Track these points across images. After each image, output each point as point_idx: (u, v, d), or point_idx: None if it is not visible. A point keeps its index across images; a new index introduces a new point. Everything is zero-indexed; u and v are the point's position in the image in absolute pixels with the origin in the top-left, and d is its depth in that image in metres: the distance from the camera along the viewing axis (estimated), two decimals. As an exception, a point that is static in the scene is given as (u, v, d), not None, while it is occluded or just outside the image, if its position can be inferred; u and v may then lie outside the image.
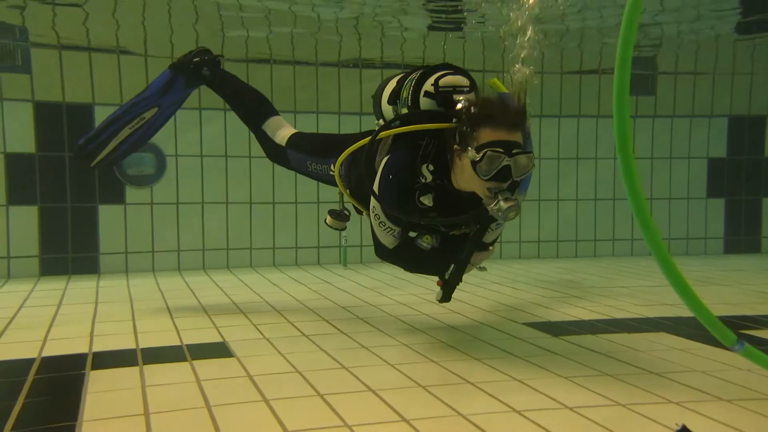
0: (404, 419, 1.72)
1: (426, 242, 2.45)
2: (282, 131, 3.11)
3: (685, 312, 2.82)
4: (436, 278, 2.55)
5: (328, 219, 2.95)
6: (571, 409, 1.80)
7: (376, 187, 2.37)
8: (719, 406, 1.81)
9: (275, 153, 3.14)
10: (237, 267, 4.93)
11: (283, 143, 3.07)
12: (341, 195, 2.88)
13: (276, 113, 3.20)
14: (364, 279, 4.32)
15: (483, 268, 2.58)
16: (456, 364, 2.24)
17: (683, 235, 5.73)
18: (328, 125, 5.01)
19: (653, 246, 1.31)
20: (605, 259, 5.44)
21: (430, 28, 4.82)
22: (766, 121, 5.79)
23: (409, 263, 2.63)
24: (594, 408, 1.80)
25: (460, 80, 2.37)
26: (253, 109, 3.22)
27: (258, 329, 2.82)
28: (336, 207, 2.99)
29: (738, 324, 2.87)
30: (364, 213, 2.75)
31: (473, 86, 2.39)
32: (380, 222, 2.44)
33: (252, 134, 3.28)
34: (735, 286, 3.96)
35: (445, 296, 2.52)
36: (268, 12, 4.32)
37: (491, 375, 2.12)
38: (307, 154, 2.97)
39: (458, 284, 2.51)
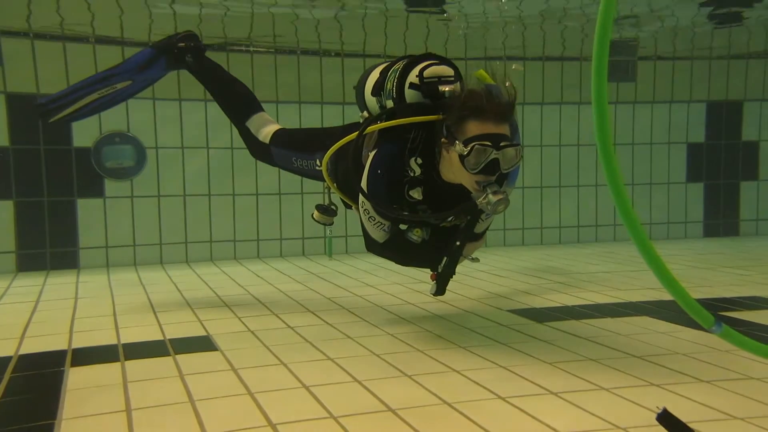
0: (390, 409, 1.72)
1: (416, 235, 2.42)
2: (266, 128, 3.06)
3: (666, 296, 2.86)
4: (426, 270, 2.54)
5: (315, 214, 2.91)
6: (555, 394, 1.81)
7: (364, 183, 2.34)
8: (699, 387, 1.84)
9: (259, 150, 3.10)
10: (221, 259, 4.89)
11: (267, 140, 3.02)
12: (327, 189, 2.84)
13: (261, 109, 3.13)
14: (349, 269, 4.31)
15: (475, 259, 2.56)
16: (442, 353, 2.25)
17: (664, 220, 5.79)
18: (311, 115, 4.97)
19: (629, 225, 1.31)
20: (588, 245, 5.48)
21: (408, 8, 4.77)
22: (743, 106, 5.85)
23: (401, 257, 2.60)
24: (578, 392, 1.81)
25: (445, 70, 2.35)
26: (238, 104, 3.16)
27: (242, 322, 2.80)
28: (322, 200, 2.96)
29: (717, 306, 2.91)
30: (353, 207, 2.72)
31: (458, 76, 2.37)
32: (370, 216, 2.41)
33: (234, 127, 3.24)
34: (714, 269, 4.02)
35: (440, 289, 2.49)
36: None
37: (477, 363, 2.13)
38: (292, 150, 2.93)
39: (452, 277, 2.49)
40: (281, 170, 3.21)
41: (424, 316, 2.87)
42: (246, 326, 2.71)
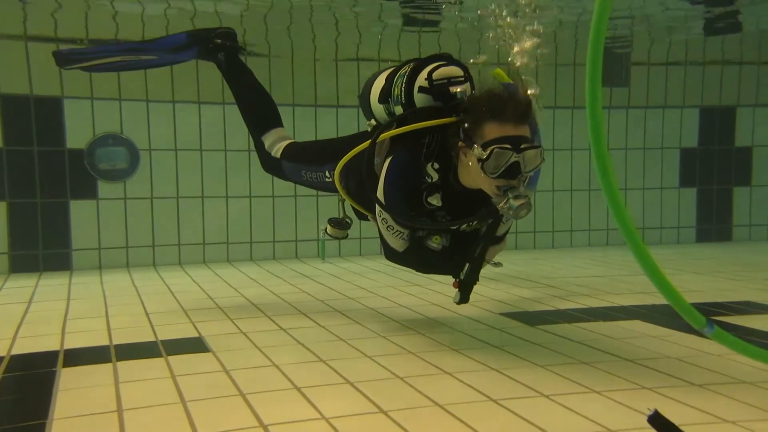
0: (382, 410, 1.72)
1: (435, 243, 2.31)
2: (280, 144, 3.00)
3: (659, 300, 2.88)
4: (437, 276, 2.45)
5: (329, 228, 2.82)
6: (547, 397, 1.81)
7: (380, 193, 2.26)
8: (691, 391, 1.84)
9: (270, 165, 3.05)
10: (213, 261, 4.87)
11: (278, 155, 2.97)
12: (342, 201, 2.75)
13: (279, 124, 3.08)
14: (342, 272, 4.31)
15: (498, 264, 2.45)
16: (434, 355, 2.24)
17: (657, 225, 5.82)
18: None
19: (620, 220, 1.32)
20: (581, 249, 5.50)
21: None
22: (735, 112, 5.89)
23: (421, 265, 2.51)
24: (570, 395, 1.82)
25: (455, 71, 2.27)
26: (258, 116, 3.10)
27: (235, 323, 2.79)
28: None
29: (709, 311, 2.93)
30: (369, 217, 2.64)
31: (468, 76, 2.29)
32: (388, 226, 2.32)
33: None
34: (706, 274, 4.04)
35: (463, 297, 2.38)
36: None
37: (469, 365, 2.13)
38: (301, 163, 2.87)
39: (475, 283, 2.38)
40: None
41: (417, 318, 2.87)
42: (238, 328, 2.71)
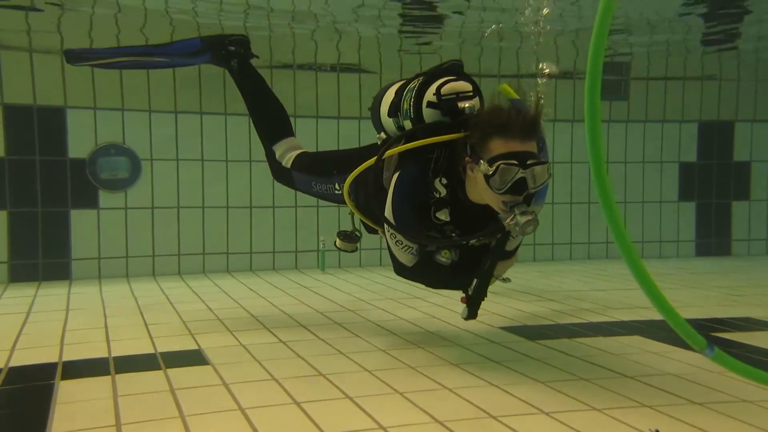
0: (381, 426, 1.71)
1: (444, 257, 2.29)
2: (291, 153, 2.99)
3: (658, 315, 2.87)
4: (445, 290, 2.42)
5: (338, 241, 2.80)
6: (547, 414, 1.81)
7: (389, 208, 2.25)
8: (692, 410, 1.84)
9: (281, 174, 3.04)
10: (213, 272, 4.87)
11: (289, 165, 2.97)
12: (352, 215, 2.74)
13: (290, 134, 3.07)
14: (342, 283, 4.31)
15: (507, 279, 2.42)
16: (433, 370, 2.24)
17: (656, 238, 5.82)
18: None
19: (626, 255, 1.32)
20: (581, 262, 5.50)
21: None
22: (734, 127, 5.92)
23: (430, 280, 2.49)
24: (570, 413, 1.81)
25: (463, 86, 2.26)
26: (270, 124, 3.09)
27: (234, 336, 2.79)
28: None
29: (708, 327, 2.93)
30: (378, 231, 2.63)
31: (477, 91, 2.28)
32: (397, 240, 2.30)
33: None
34: (705, 289, 4.04)
35: (471, 313, 2.35)
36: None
37: (468, 380, 2.12)
38: (311, 174, 2.87)
39: (483, 299, 2.36)
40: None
41: (417, 332, 2.87)
42: (238, 340, 2.70)
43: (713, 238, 5.95)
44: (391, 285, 4.10)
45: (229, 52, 3.07)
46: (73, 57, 3.19)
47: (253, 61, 3.15)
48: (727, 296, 3.77)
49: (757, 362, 2.33)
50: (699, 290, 4.00)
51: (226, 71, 3.20)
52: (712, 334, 2.77)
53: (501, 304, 3.51)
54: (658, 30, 4.93)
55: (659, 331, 2.80)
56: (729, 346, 2.56)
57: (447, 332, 2.86)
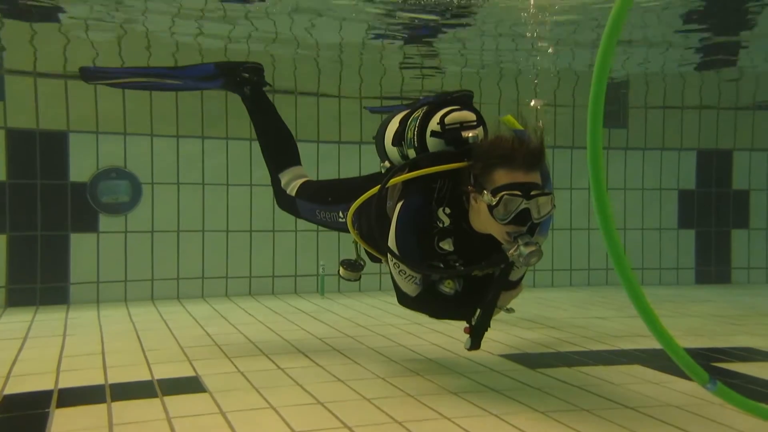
0: (380, 458, 1.69)
1: (448, 287, 2.26)
2: (296, 182, 3.00)
3: (658, 344, 2.85)
4: (448, 320, 2.40)
5: (342, 270, 2.77)
6: (547, 445, 1.79)
7: (392, 239, 2.23)
8: (693, 442, 1.82)
9: (285, 202, 3.05)
10: (212, 296, 4.86)
11: (293, 193, 2.98)
12: (356, 243, 2.71)
13: (297, 162, 3.08)
14: (342, 309, 4.29)
15: (511, 310, 2.38)
16: (433, 399, 2.22)
17: (656, 266, 5.82)
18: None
19: (631, 293, 1.33)
20: (581, 288, 5.48)
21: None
22: (732, 155, 5.96)
23: (434, 310, 2.47)
24: (570, 444, 1.79)
25: (467, 115, 2.27)
26: (278, 153, 3.10)
27: (232, 362, 2.77)
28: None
29: (709, 356, 2.90)
30: (382, 260, 2.60)
31: (480, 120, 2.29)
32: (400, 270, 2.28)
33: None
34: (706, 317, 4.02)
35: (474, 343, 2.32)
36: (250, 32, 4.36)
37: (468, 410, 2.10)
38: (315, 202, 2.88)
39: (487, 329, 2.33)
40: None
41: (416, 359, 2.85)
42: (236, 367, 2.68)
43: (713, 266, 5.94)
44: (390, 311, 4.09)
45: (243, 80, 3.09)
46: (88, 75, 3.23)
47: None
48: (727, 325, 3.75)
49: (758, 393, 2.32)
50: (699, 318, 3.98)
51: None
52: (712, 364, 2.75)
53: (501, 332, 3.49)
54: (653, 54, 5.00)
55: (660, 360, 2.78)
56: (730, 377, 2.55)
57: (447, 360, 2.84)
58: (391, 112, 2.61)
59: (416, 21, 4.19)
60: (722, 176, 5.94)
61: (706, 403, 2.17)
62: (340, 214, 2.70)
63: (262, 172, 4.99)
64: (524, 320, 3.87)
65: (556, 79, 5.47)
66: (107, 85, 3.39)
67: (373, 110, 3.79)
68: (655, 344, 3.05)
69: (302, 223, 4.84)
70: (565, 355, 2.94)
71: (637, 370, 2.66)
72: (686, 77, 5.52)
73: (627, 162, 5.76)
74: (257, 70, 3.11)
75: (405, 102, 3.18)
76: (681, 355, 1.37)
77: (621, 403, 2.18)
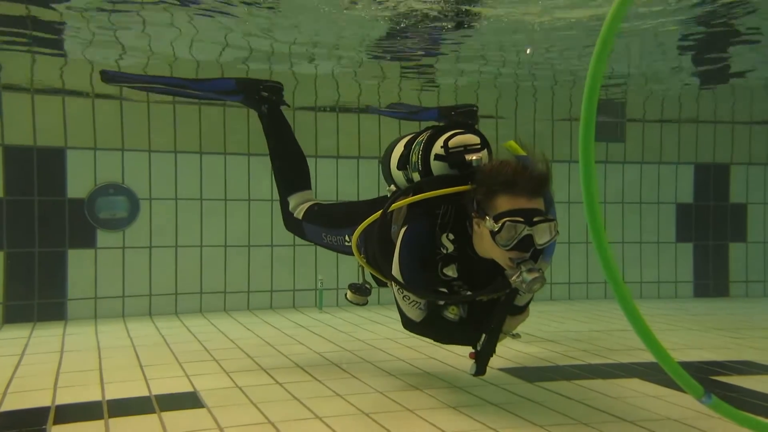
0: (378, 473, 1.68)
1: (452, 313, 2.25)
2: (303, 205, 3.01)
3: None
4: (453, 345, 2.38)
5: (349, 294, 2.76)
6: (546, 459, 1.78)
7: (396, 265, 2.23)
8: (692, 455, 1.81)
9: (292, 224, 3.06)
10: (210, 311, 4.84)
11: (300, 216, 2.98)
12: (361, 267, 2.71)
13: (308, 186, 3.10)
14: (340, 323, 4.28)
15: (517, 335, 2.38)
16: (431, 413, 2.21)
17: (654, 279, 5.82)
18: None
19: (627, 311, 1.33)
20: (579, 302, 5.48)
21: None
22: (729, 169, 5.99)
23: (439, 335, 2.45)
24: (569, 458, 1.79)
25: (471, 138, 2.27)
26: (289, 175, 3.11)
27: (230, 377, 2.76)
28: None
29: (707, 370, 2.90)
30: (388, 284, 2.56)
31: (485, 143, 2.29)
32: (404, 295, 2.27)
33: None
34: (704, 331, 4.02)
35: (479, 369, 2.29)
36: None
37: (467, 424, 2.10)
38: (322, 226, 2.88)
39: (492, 355, 2.30)
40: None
41: (416, 373, 2.84)
42: (234, 382, 2.67)
43: (711, 279, 5.94)
44: (389, 325, 4.08)
45: (262, 98, 3.11)
46: (108, 77, 3.24)
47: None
48: (726, 339, 3.75)
49: (756, 407, 2.31)
50: (698, 332, 3.97)
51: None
52: (711, 378, 2.74)
53: (499, 346, 3.47)
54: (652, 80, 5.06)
55: (658, 373, 2.77)
56: (728, 390, 2.54)
57: (446, 374, 2.83)
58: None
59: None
60: (720, 190, 5.97)
61: (705, 416, 2.17)
62: (347, 237, 2.70)
63: (260, 187, 5.05)
64: (523, 334, 3.86)
65: (549, 93, 5.51)
66: (128, 87, 3.43)
67: (373, 111, 3.82)
68: (652, 357, 3.05)
69: (300, 240, 4.85)
70: (563, 368, 2.94)
71: (636, 383, 2.65)
72: (683, 91, 5.56)
73: (625, 175, 5.78)
74: (276, 89, 3.13)
75: (404, 102, 3.23)
76: (675, 369, 1.38)
77: (619, 417, 2.17)
